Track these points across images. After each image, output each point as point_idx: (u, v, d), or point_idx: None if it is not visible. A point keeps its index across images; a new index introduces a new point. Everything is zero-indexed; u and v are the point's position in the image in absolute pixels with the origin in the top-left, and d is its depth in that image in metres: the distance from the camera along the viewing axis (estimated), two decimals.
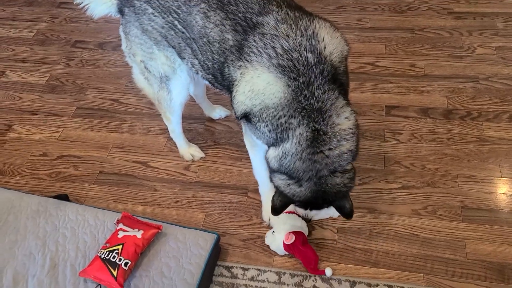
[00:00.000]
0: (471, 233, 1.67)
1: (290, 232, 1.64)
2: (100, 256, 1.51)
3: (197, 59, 1.52)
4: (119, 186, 1.98)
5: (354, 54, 2.32)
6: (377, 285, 1.58)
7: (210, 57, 1.47)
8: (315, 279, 1.62)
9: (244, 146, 2.06)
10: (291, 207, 1.59)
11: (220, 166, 2.01)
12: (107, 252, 1.50)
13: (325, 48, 1.31)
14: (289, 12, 1.35)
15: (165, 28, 1.53)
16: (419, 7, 2.67)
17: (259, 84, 1.34)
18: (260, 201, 1.83)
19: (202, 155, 2.05)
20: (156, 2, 1.51)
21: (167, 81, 1.69)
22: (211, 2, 1.40)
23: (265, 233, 1.75)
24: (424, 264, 1.61)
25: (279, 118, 1.34)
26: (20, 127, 2.29)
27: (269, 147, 1.45)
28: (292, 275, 1.63)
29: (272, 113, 1.34)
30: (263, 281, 1.63)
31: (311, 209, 1.51)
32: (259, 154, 1.64)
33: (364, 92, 2.21)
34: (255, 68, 1.33)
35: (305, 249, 1.64)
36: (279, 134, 1.36)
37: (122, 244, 1.52)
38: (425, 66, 2.31)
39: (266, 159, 1.47)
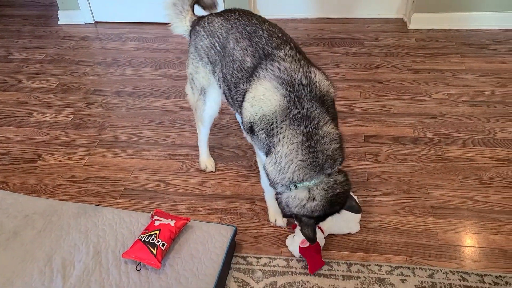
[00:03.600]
0: (441, 225, 2.06)
1: None
2: (141, 239, 1.79)
3: (222, 72, 1.91)
4: (143, 199, 2.29)
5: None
6: (369, 265, 1.91)
7: (230, 72, 1.84)
8: None
9: (249, 166, 2.46)
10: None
11: (230, 182, 2.36)
12: (147, 236, 1.79)
13: (315, 76, 1.67)
14: (297, 54, 1.73)
15: (209, 47, 1.96)
16: (384, 65, 3.26)
17: (260, 90, 1.66)
18: (266, 207, 2.17)
19: (213, 170, 2.41)
20: (207, 27, 1.96)
21: (204, 94, 2.09)
22: (243, 33, 1.83)
23: (272, 232, 2.08)
24: (406, 249, 1.96)
25: (271, 124, 1.62)
26: (49, 156, 2.59)
27: (267, 156, 1.70)
28: (298, 261, 1.94)
29: (267, 120, 1.64)
30: (274, 266, 1.93)
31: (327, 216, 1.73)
32: None
33: (346, 126, 2.67)
34: (260, 80, 1.68)
35: (316, 255, 1.89)
36: (271, 138, 1.62)
37: (159, 230, 1.81)
38: (393, 107, 2.82)
39: (265, 171, 1.69)
